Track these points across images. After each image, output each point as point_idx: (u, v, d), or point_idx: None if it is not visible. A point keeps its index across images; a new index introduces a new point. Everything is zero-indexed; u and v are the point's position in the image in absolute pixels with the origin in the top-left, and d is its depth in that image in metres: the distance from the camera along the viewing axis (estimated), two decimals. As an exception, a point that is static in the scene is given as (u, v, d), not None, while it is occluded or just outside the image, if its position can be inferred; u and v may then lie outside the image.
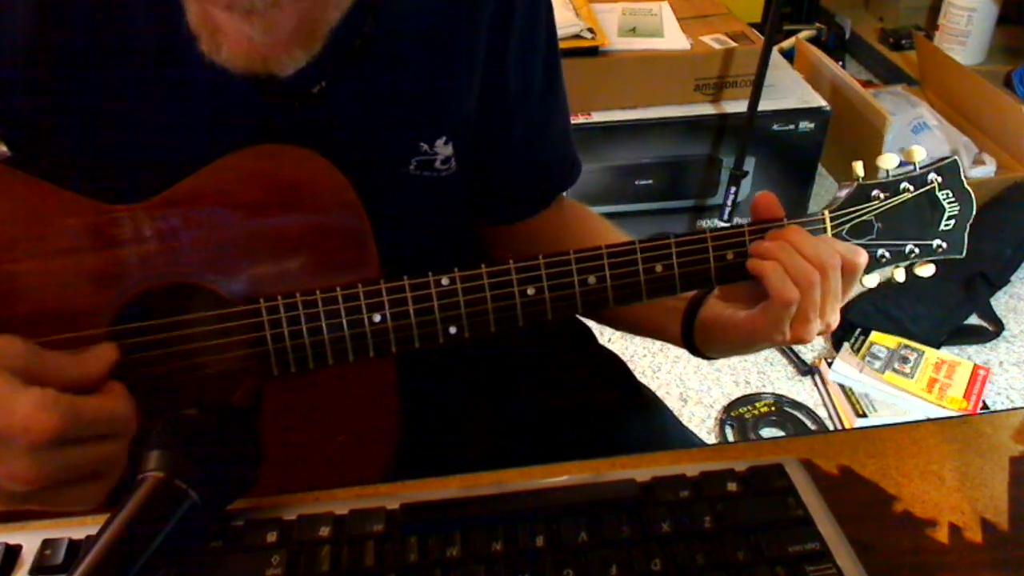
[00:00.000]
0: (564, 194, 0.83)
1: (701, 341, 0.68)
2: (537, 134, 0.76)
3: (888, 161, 0.64)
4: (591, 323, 0.87)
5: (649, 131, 1.88)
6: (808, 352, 1.79)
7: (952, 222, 0.66)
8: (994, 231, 1.94)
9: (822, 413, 1.64)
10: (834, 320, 0.62)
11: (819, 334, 0.62)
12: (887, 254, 0.65)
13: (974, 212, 0.66)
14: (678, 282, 0.61)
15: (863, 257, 0.61)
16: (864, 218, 0.64)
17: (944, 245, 0.66)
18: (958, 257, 0.67)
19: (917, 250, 0.66)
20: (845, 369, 1.68)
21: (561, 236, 0.79)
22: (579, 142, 0.81)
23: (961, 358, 1.71)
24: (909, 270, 0.67)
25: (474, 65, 0.68)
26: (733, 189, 1.92)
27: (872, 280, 0.65)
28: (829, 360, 1.72)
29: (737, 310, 0.64)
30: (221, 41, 0.53)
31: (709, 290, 0.67)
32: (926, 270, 0.67)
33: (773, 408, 1.64)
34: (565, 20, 1.82)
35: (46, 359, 0.49)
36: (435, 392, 0.75)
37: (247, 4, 0.49)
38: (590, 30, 1.82)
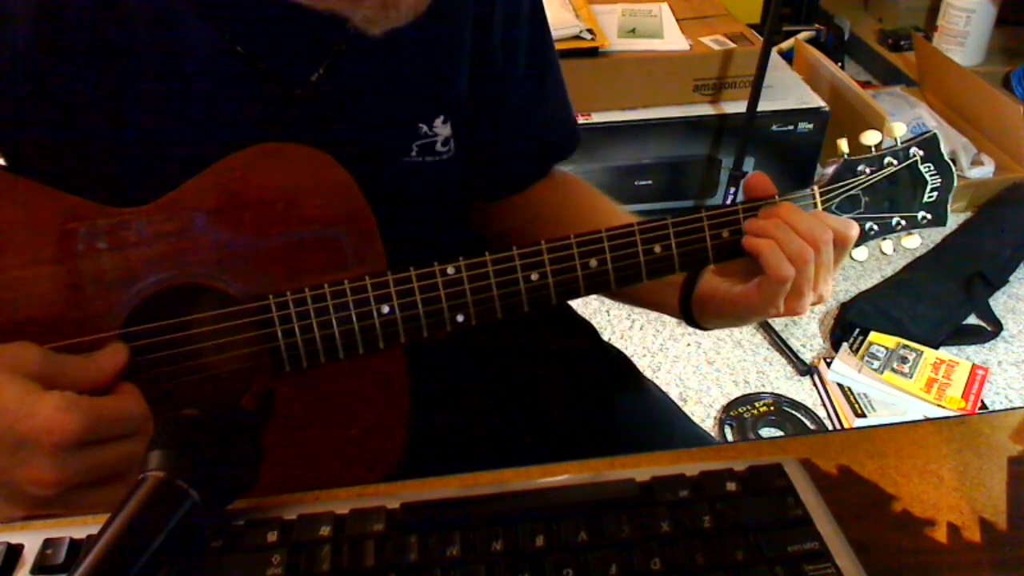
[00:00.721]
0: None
1: (698, 314, 0.70)
2: (531, 105, 0.77)
3: (871, 137, 0.66)
4: (594, 319, 0.87)
5: (649, 132, 1.88)
6: (807, 352, 1.79)
7: (935, 194, 0.68)
8: (993, 231, 1.95)
9: (821, 413, 1.64)
10: (827, 292, 0.64)
11: (812, 304, 0.63)
12: (875, 227, 0.67)
13: (955, 183, 0.69)
14: (677, 261, 0.63)
15: (854, 230, 0.63)
16: (851, 192, 0.66)
17: (928, 216, 0.68)
18: (942, 228, 0.69)
19: (903, 222, 0.68)
20: (844, 369, 1.68)
21: (562, 212, 0.80)
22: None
23: (960, 358, 1.72)
24: (896, 242, 0.69)
25: (462, 45, 0.69)
26: (732, 190, 1.92)
27: (862, 253, 0.67)
28: (828, 360, 1.72)
29: (733, 284, 0.66)
30: None
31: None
32: (911, 241, 0.69)
33: (772, 408, 1.64)
34: (565, 21, 1.83)
35: (60, 362, 0.50)
36: (439, 388, 0.75)
37: None
38: (590, 31, 1.82)
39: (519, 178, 0.80)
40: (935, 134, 0.68)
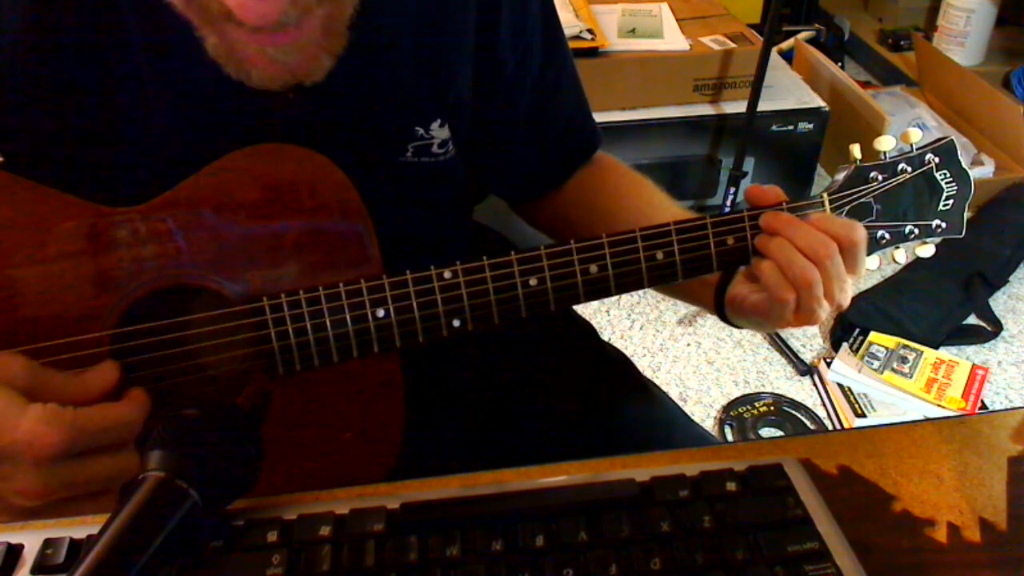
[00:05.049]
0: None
1: (730, 314, 0.69)
2: (545, 107, 0.76)
3: (885, 143, 0.64)
4: (594, 320, 0.87)
5: (648, 132, 1.88)
6: (807, 352, 1.79)
7: (951, 202, 0.66)
8: (993, 231, 1.95)
9: (821, 413, 1.64)
10: (844, 300, 0.62)
11: (832, 312, 0.62)
12: (887, 235, 0.65)
13: (972, 191, 0.67)
14: (679, 268, 0.62)
15: (860, 233, 0.61)
16: (863, 200, 0.64)
17: (943, 225, 0.67)
18: (957, 237, 0.67)
19: (917, 230, 0.66)
20: (844, 369, 1.68)
21: (596, 201, 0.79)
22: (578, 143, 0.81)
23: (960, 358, 1.72)
24: (910, 251, 0.67)
25: (464, 46, 0.68)
26: (732, 190, 1.92)
27: (873, 262, 0.65)
28: (828, 360, 1.72)
29: (752, 292, 0.65)
30: (249, 69, 0.54)
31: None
32: (926, 250, 0.67)
33: (772, 408, 1.64)
34: (565, 21, 1.81)
35: (48, 377, 0.50)
36: (437, 388, 0.75)
37: (278, 22, 0.49)
38: (590, 31, 1.82)
39: (537, 185, 0.79)
40: (951, 140, 0.66)
